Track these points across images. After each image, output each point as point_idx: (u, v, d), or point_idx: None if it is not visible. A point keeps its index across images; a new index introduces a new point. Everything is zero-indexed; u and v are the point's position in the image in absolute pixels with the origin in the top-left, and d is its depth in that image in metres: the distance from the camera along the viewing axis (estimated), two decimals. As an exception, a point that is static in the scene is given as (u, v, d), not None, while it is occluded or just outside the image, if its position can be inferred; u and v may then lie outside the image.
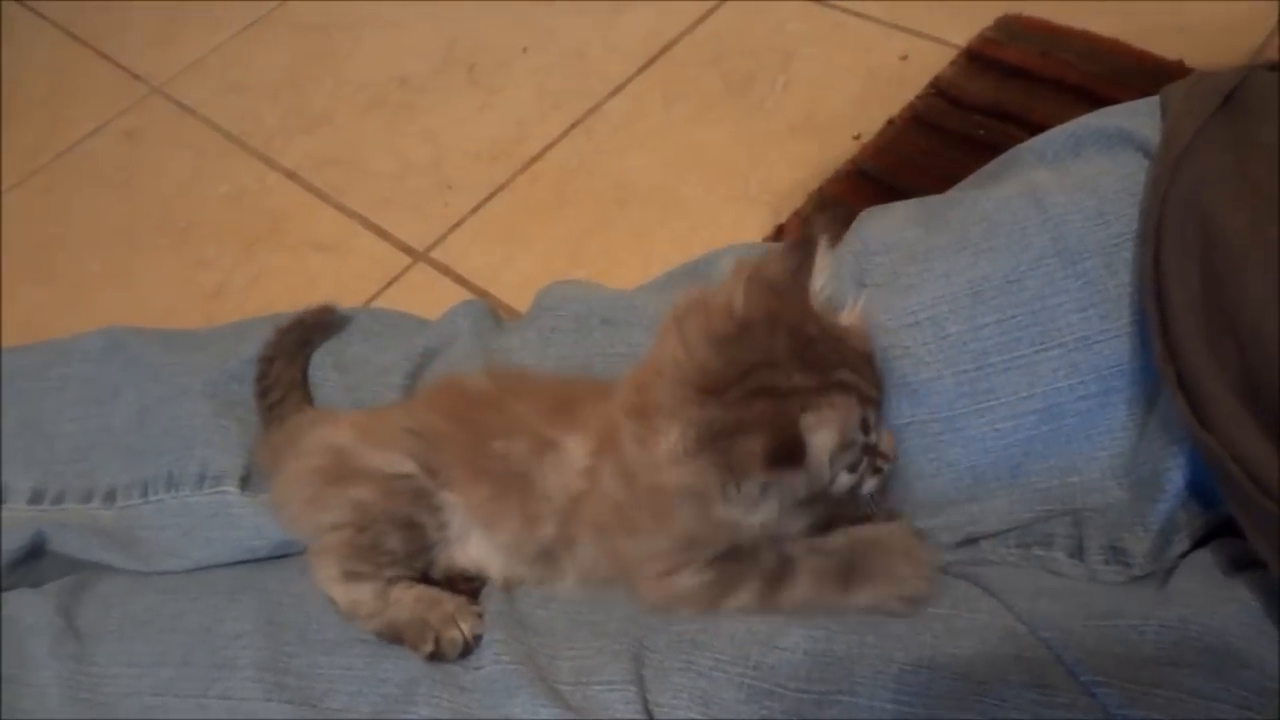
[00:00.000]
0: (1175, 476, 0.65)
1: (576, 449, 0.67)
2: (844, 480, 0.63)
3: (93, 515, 0.82)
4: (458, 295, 1.23)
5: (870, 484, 0.65)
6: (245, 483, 0.79)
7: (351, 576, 0.70)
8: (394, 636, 0.69)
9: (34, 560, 0.85)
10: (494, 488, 0.70)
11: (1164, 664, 0.58)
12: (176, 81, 1.67)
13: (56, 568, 0.84)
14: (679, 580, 0.65)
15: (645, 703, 0.62)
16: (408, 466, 0.71)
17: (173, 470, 0.81)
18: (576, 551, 0.68)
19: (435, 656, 0.67)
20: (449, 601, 0.69)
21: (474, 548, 0.72)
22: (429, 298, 1.23)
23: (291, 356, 0.84)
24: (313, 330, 0.86)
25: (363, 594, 0.70)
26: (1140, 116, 0.76)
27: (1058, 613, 0.62)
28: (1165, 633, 0.59)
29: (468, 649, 0.68)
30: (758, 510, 0.61)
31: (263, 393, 0.82)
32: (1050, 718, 0.57)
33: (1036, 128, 0.94)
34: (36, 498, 0.84)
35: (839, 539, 0.65)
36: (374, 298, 1.28)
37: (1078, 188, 0.73)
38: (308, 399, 0.83)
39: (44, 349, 0.93)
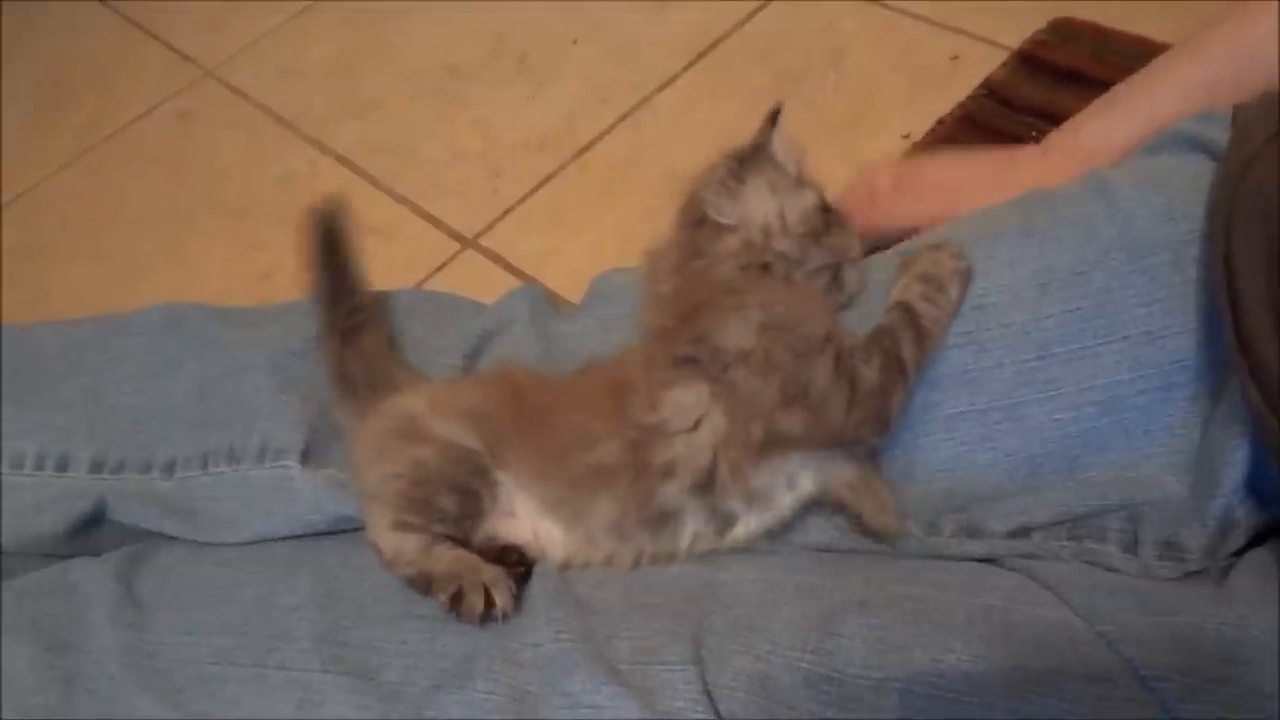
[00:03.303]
0: (1234, 472, 0.65)
1: (685, 400, 0.70)
2: (809, 197, 0.75)
3: (152, 486, 0.83)
4: (506, 282, 1.24)
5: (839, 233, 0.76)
6: (305, 457, 0.80)
7: (401, 526, 0.71)
8: (424, 586, 0.70)
9: (94, 528, 0.86)
10: (573, 488, 0.71)
11: (1224, 660, 0.58)
12: (229, 65, 1.69)
13: (115, 536, 0.85)
14: (865, 381, 0.69)
15: (704, 684, 0.63)
16: (472, 442, 0.72)
17: (234, 444, 0.82)
18: (744, 479, 0.70)
19: (452, 613, 0.68)
20: (487, 571, 0.70)
21: (529, 527, 0.73)
22: (477, 284, 1.24)
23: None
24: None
25: (407, 544, 0.71)
26: (1210, 123, 0.77)
27: (1115, 608, 0.62)
28: (1225, 630, 0.59)
29: (487, 617, 0.68)
30: (806, 185, 0.75)
31: (348, 312, 0.84)
32: (1108, 712, 0.57)
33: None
34: (96, 467, 0.85)
35: (909, 276, 0.74)
36: (423, 283, 1.29)
37: (1145, 182, 0.73)
38: (386, 334, 0.85)
39: (104, 321, 0.94)
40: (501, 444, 0.72)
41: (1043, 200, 0.77)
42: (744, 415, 0.69)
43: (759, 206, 0.74)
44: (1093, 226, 0.73)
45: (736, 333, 0.69)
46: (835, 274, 0.76)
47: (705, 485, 0.69)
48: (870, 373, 0.69)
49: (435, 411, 0.74)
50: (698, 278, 0.74)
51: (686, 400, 0.69)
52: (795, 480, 0.71)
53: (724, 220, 0.74)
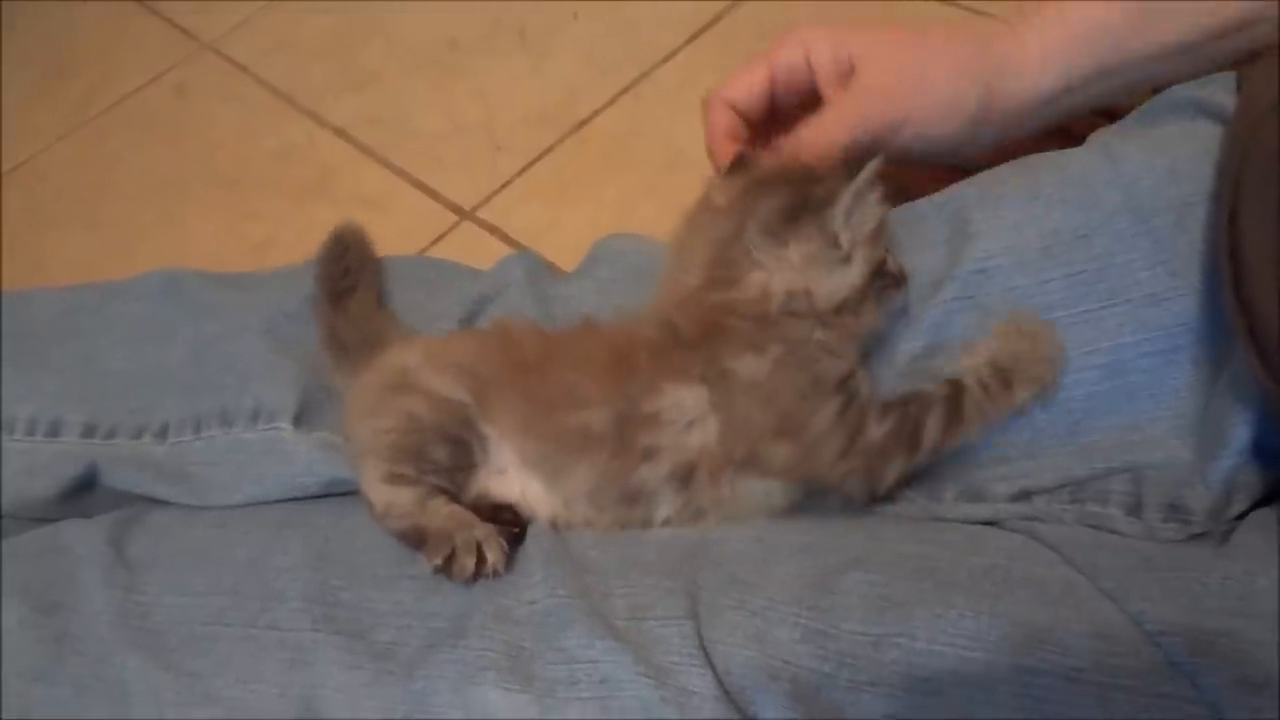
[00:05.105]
0: (1240, 433, 0.64)
1: (685, 399, 0.68)
2: (850, 275, 0.69)
3: (144, 450, 0.83)
4: (504, 253, 1.21)
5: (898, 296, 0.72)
6: (298, 420, 0.80)
7: (394, 479, 0.71)
8: (417, 540, 0.69)
9: (86, 493, 0.85)
10: (557, 445, 0.70)
11: (1229, 614, 0.57)
12: (226, 39, 1.68)
13: (108, 501, 0.84)
14: (867, 436, 0.66)
15: (700, 638, 0.62)
16: (461, 395, 0.71)
17: (226, 406, 0.81)
18: (719, 485, 0.69)
19: (442, 572, 0.68)
20: (480, 529, 0.69)
21: (518, 485, 0.73)
22: (475, 255, 1.22)
23: (363, 247, 0.87)
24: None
25: (401, 497, 0.71)
26: (1214, 86, 0.76)
27: (1118, 566, 0.62)
28: (1230, 585, 0.58)
29: (478, 576, 0.68)
30: (854, 261, 0.69)
31: (340, 274, 0.84)
32: (1111, 666, 0.57)
33: (1094, 108, 0.93)
34: (89, 432, 0.84)
35: (988, 350, 0.69)
36: (421, 253, 1.28)
37: (1150, 147, 0.73)
38: (379, 296, 0.85)
39: (100, 288, 0.94)
40: (489, 396, 0.71)
41: (1048, 163, 0.77)
42: (734, 433, 0.68)
43: (789, 273, 0.69)
44: (1097, 190, 0.72)
45: (750, 366, 0.68)
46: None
47: (684, 479, 0.69)
48: (877, 430, 0.67)
49: (427, 364, 0.74)
50: (726, 293, 0.71)
51: (685, 399, 0.69)
52: (770, 494, 0.71)
53: (757, 256, 0.70)
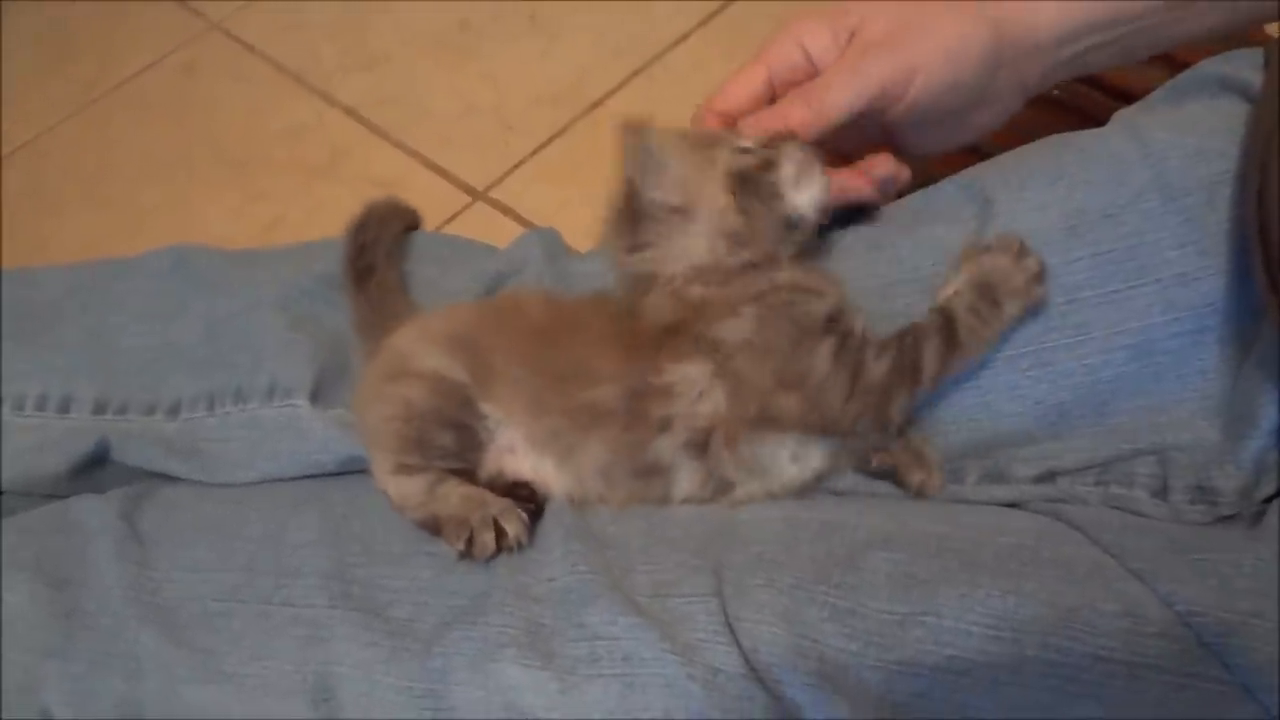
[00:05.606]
0: (1269, 413, 0.64)
1: (691, 373, 0.68)
2: (702, 222, 0.68)
3: (156, 427, 0.82)
4: (516, 234, 1.22)
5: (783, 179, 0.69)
6: (315, 397, 0.78)
7: (403, 469, 0.70)
8: (435, 528, 0.69)
9: (97, 469, 0.84)
10: (568, 422, 0.69)
11: (1261, 595, 0.57)
12: (235, 18, 1.68)
13: (119, 477, 0.84)
14: (869, 375, 0.66)
15: (726, 616, 0.62)
16: (458, 374, 0.70)
17: (241, 383, 0.80)
18: (737, 449, 0.68)
19: (466, 555, 0.67)
20: (494, 504, 0.68)
21: (530, 463, 0.72)
22: (488, 235, 1.21)
23: (384, 223, 0.85)
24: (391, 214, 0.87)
25: (413, 487, 0.70)
26: (1239, 62, 0.75)
27: (1146, 547, 0.61)
28: (1262, 566, 0.58)
29: (500, 551, 0.67)
30: (694, 207, 0.68)
31: (357, 254, 0.82)
32: (1141, 646, 0.57)
33: (1111, 89, 0.92)
34: (100, 408, 0.83)
35: (965, 274, 0.68)
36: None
37: (1177, 126, 0.72)
38: (400, 276, 0.84)
39: (107, 265, 0.92)
40: (490, 373, 0.71)
41: (1071, 143, 0.76)
42: (740, 394, 0.67)
43: (665, 263, 0.69)
44: (1125, 169, 0.71)
45: (734, 329, 0.67)
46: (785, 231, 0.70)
47: (700, 446, 0.68)
48: (877, 368, 0.66)
49: (423, 342, 0.73)
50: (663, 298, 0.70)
51: (691, 373, 0.68)
52: (801, 455, 0.70)
53: (642, 267, 0.70)
